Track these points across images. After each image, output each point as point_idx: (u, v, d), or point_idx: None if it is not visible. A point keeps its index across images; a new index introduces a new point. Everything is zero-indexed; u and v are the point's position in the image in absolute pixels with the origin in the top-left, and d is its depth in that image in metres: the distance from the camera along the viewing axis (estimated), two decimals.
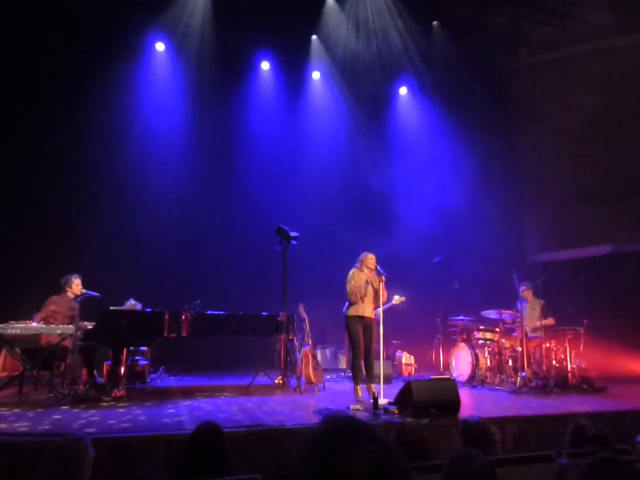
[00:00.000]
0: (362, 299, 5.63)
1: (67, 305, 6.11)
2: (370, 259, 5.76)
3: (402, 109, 11.08)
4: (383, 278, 5.59)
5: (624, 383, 7.04)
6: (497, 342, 7.08)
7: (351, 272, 5.79)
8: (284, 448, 3.61)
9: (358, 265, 5.82)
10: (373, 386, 5.49)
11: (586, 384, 6.51)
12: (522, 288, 7.36)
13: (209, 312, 6.44)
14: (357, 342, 5.60)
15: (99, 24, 8.35)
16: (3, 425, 3.87)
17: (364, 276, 5.71)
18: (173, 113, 9.40)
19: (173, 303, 6.50)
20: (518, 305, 7.38)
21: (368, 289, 5.68)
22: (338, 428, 0.91)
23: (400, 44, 10.04)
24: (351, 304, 5.69)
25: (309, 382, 6.32)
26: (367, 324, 5.63)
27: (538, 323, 6.99)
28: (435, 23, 10.50)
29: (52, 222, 8.06)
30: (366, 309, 5.64)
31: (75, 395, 5.36)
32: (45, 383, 5.53)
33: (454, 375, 7.30)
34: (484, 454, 2.01)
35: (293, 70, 10.28)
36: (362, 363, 5.64)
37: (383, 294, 5.61)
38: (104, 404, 5.06)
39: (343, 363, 8.37)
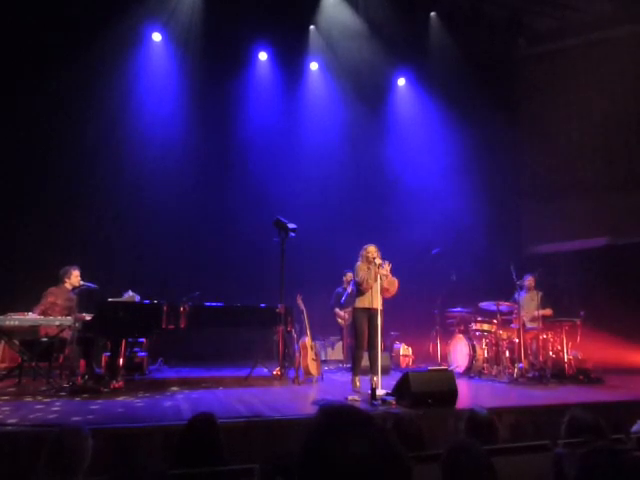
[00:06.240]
0: (367, 289, 5.64)
1: (65, 296, 6.11)
2: (370, 251, 5.77)
3: (400, 100, 11.03)
4: (385, 264, 5.60)
5: (620, 374, 7.08)
6: (494, 333, 7.12)
7: (356, 266, 5.81)
8: (282, 439, 3.63)
9: (361, 259, 5.84)
10: (376, 378, 5.51)
11: (582, 375, 6.55)
12: (528, 278, 7.41)
13: (207, 304, 6.46)
14: (361, 334, 5.62)
15: (98, 16, 8.27)
16: (2, 416, 3.88)
17: (366, 268, 5.73)
18: (170, 104, 9.33)
19: (171, 295, 6.50)
20: (516, 296, 7.39)
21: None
22: (336, 416, 0.91)
23: (398, 35, 9.96)
24: (359, 295, 5.71)
25: (307, 373, 6.35)
26: (372, 315, 5.63)
27: (536, 313, 7.04)
28: (433, 14, 10.42)
29: (50, 213, 8.02)
30: (372, 300, 5.65)
31: (74, 386, 5.36)
32: (44, 374, 5.54)
33: (451, 366, 7.33)
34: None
35: (291, 61, 10.20)
36: (363, 354, 5.68)
37: (392, 281, 5.66)
38: (102, 395, 5.08)
39: (341, 354, 8.39)
